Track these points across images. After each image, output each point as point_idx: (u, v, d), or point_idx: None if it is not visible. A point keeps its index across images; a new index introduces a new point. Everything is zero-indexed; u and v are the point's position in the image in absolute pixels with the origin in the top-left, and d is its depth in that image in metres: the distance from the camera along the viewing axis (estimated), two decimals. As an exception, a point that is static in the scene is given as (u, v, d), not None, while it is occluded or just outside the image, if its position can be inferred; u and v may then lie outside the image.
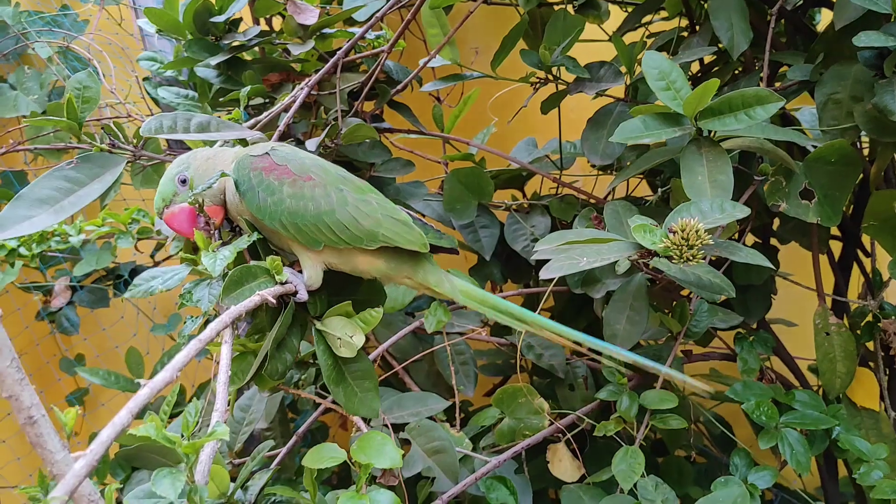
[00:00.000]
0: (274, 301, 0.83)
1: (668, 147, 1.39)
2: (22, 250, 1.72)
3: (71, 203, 1.03)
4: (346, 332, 0.95)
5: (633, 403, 1.35)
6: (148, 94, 1.96)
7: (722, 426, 1.75)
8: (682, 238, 0.96)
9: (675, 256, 0.96)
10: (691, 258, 0.95)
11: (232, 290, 0.90)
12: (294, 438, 1.32)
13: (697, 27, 1.65)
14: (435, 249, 1.11)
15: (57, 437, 0.58)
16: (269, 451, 1.66)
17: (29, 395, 0.57)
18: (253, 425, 1.32)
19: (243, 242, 0.95)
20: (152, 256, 2.11)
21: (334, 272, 1.04)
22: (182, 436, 0.67)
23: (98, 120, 1.17)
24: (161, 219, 1.04)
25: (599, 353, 1.18)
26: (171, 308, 2.35)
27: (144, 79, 1.97)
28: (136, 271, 2.16)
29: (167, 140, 1.87)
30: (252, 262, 0.98)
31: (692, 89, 1.20)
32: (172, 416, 1.82)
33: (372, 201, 1.04)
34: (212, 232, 1.01)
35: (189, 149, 1.26)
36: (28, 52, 2.29)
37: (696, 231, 0.96)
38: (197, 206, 1.00)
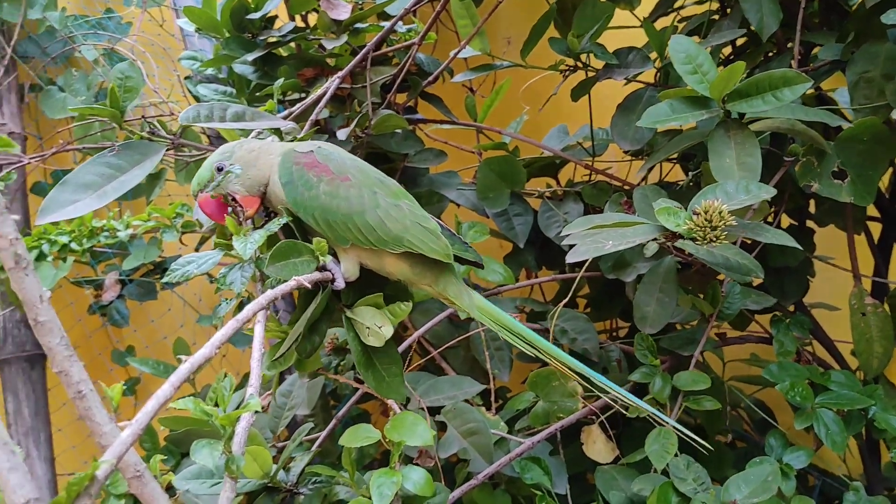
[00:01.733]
0: (309, 285, 0.87)
1: (698, 130, 1.40)
2: (73, 245, 1.79)
3: (113, 188, 1.08)
4: (375, 322, 0.98)
5: (665, 385, 1.36)
6: (190, 92, 2.01)
7: (763, 412, 1.75)
8: (706, 220, 0.97)
9: (698, 238, 0.97)
10: (714, 239, 0.96)
11: (276, 261, 0.94)
12: (333, 422, 1.36)
13: (728, 10, 1.65)
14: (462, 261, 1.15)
15: (104, 410, 0.63)
16: (310, 435, 1.73)
17: (78, 371, 0.61)
18: (294, 410, 1.36)
19: (274, 226, 0.99)
20: (197, 249, 2.17)
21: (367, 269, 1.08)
22: (218, 408, 0.71)
23: (142, 118, 1.21)
24: (196, 203, 1.09)
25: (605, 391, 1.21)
26: (215, 300, 2.42)
27: (186, 77, 2.03)
28: (181, 264, 2.22)
29: (208, 135, 1.93)
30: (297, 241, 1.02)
31: (721, 72, 1.20)
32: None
33: (404, 207, 1.07)
34: (241, 220, 1.04)
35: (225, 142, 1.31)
36: (75, 54, 2.37)
37: (720, 212, 0.97)
38: (222, 196, 1.04)
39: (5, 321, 2.16)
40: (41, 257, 1.79)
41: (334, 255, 1.06)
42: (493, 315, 1.14)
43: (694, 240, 0.98)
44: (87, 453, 2.29)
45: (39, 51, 2.35)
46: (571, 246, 1.12)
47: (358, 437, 1.01)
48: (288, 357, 1.07)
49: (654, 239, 1.02)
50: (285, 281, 0.87)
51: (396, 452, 0.98)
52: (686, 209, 1.05)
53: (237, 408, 0.77)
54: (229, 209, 1.05)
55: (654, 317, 1.28)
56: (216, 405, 0.70)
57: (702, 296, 1.44)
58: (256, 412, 1.54)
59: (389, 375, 1.04)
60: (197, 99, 1.97)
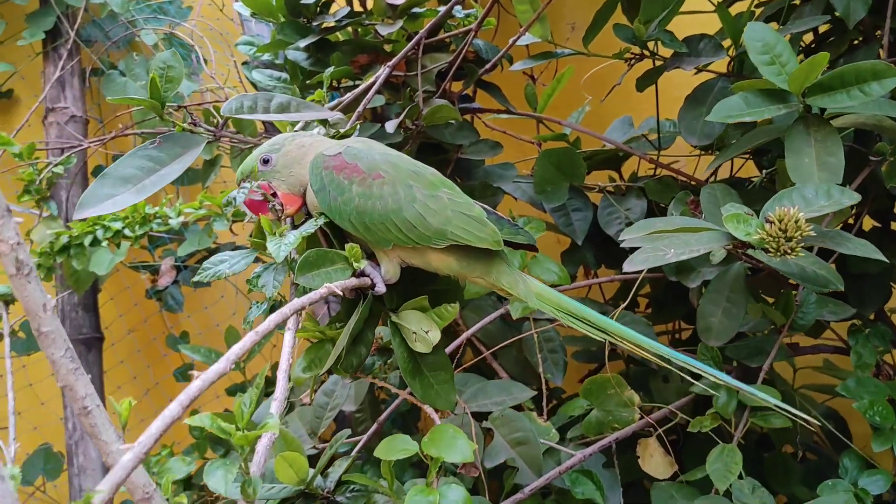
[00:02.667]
0: (341, 293, 0.81)
1: (774, 125, 1.29)
2: (126, 232, 1.79)
3: (152, 182, 1.05)
4: (421, 327, 0.92)
5: (731, 399, 1.27)
6: (247, 77, 1.99)
7: (835, 421, 1.63)
8: (780, 229, 0.88)
9: (770, 249, 0.88)
10: (789, 251, 0.87)
11: (306, 271, 0.89)
12: (375, 426, 1.32)
13: (811, -6, 1.53)
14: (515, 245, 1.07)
15: (112, 427, 0.59)
16: (359, 431, 1.69)
17: (83, 385, 0.57)
18: (336, 410, 1.32)
19: (310, 227, 0.94)
20: (250, 237, 2.15)
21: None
22: (237, 427, 0.66)
23: (183, 107, 1.18)
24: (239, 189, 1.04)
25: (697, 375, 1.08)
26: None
27: (243, 63, 2.00)
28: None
29: (264, 123, 1.90)
30: (328, 248, 0.96)
31: (801, 63, 1.10)
32: (268, 395, 1.87)
33: (443, 197, 0.99)
34: (280, 218, 1.00)
35: (279, 131, 1.27)
36: (135, 39, 2.37)
37: (796, 221, 0.87)
38: (259, 193, 0.99)
39: (63, 304, 2.18)
40: (95, 243, 1.79)
41: (372, 257, 1.00)
42: (554, 301, 1.04)
43: (766, 250, 0.89)
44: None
45: (102, 35, 2.36)
46: (633, 249, 1.04)
47: (394, 449, 0.96)
48: (325, 361, 1.03)
49: (722, 248, 0.93)
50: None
51: (434, 469, 0.92)
52: (758, 215, 0.95)
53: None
54: (269, 204, 1.01)
55: (720, 328, 1.19)
56: (235, 424, 0.66)
57: (771, 300, 1.34)
58: (302, 404, 1.51)
59: (438, 382, 0.98)
60: (254, 85, 1.95)
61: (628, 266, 0.96)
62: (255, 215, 1.02)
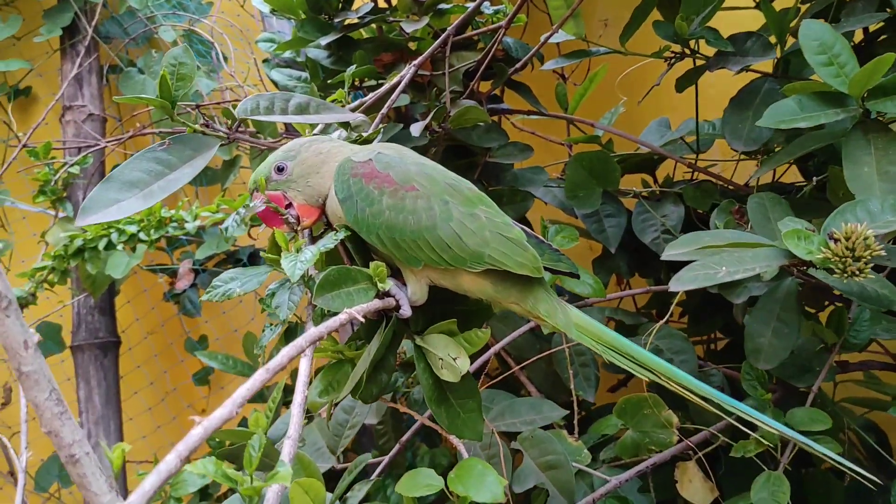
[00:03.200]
0: (363, 319, 0.74)
1: (826, 131, 1.21)
2: (142, 236, 1.73)
3: (160, 188, 0.98)
4: (448, 353, 0.84)
5: (777, 422, 1.18)
6: (267, 75, 1.93)
7: (875, 434, 1.54)
8: (847, 248, 0.79)
9: (836, 270, 0.80)
10: (857, 273, 0.78)
11: (326, 291, 0.82)
12: (397, 447, 1.24)
13: (863, -11, 1.43)
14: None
15: (103, 478, 0.52)
16: (380, 444, 1.62)
17: (70, 431, 0.50)
18: (356, 428, 1.25)
19: (329, 242, 0.86)
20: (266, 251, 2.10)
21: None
22: (244, 473, 0.60)
23: (196, 107, 1.11)
24: (250, 202, 0.97)
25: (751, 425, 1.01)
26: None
27: (264, 61, 1.94)
28: (254, 255, 2.16)
29: (285, 124, 1.84)
30: (351, 266, 0.89)
31: (859, 64, 1.02)
32: (288, 404, 1.81)
33: (481, 216, 0.91)
34: (295, 229, 0.92)
35: (300, 133, 1.20)
36: (154, 36, 2.31)
37: (864, 239, 0.79)
38: (271, 207, 0.92)
39: (79, 307, 2.14)
40: (110, 246, 1.74)
41: (397, 274, 0.92)
42: (595, 334, 0.97)
43: (830, 271, 0.81)
44: (157, 443, 2.26)
45: (120, 31, 2.31)
46: (676, 265, 0.96)
47: (417, 485, 0.89)
48: (343, 384, 0.96)
49: (780, 266, 0.85)
50: (337, 312, 0.74)
51: (461, 510, 0.84)
52: (818, 229, 0.87)
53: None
54: (283, 217, 0.93)
55: (770, 350, 1.10)
56: (242, 469, 0.59)
57: (812, 311, 1.25)
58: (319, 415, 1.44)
59: (465, 411, 0.91)
60: (274, 83, 1.88)
61: (675, 285, 0.88)
62: (270, 227, 0.96)
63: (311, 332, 0.66)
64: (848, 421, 1.43)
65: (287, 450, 0.63)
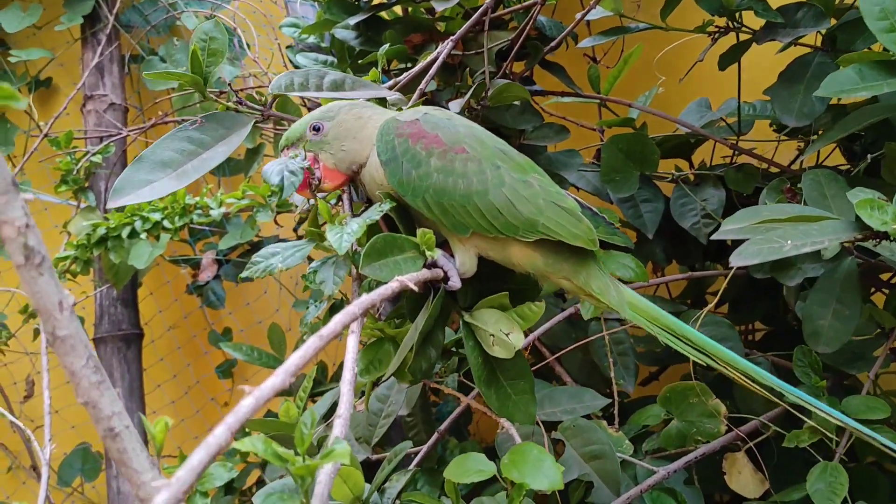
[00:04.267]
0: (416, 288, 0.69)
1: (881, 104, 1.15)
2: (166, 223, 1.70)
3: (194, 167, 0.93)
4: (500, 329, 0.79)
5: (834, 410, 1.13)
6: (290, 61, 1.89)
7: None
8: (929, 217, 0.74)
9: (917, 240, 0.74)
10: (941, 243, 0.73)
11: (372, 260, 0.77)
12: (436, 436, 1.20)
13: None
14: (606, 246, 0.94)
15: (145, 453, 0.48)
16: (410, 436, 1.57)
17: (109, 402, 0.46)
18: (391, 417, 1.21)
19: (375, 213, 0.81)
20: (295, 230, 2.06)
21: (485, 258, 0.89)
22: (296, 453, 0.55)
23: (228, 86, 1.07)
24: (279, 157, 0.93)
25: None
26: (313, 283, 2.30)
27: (287, 47, 1.90)
28: (278, 245, 2.12)
29: (308, 107, 1.79)
30: (398, 234, 0.84)
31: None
32: (314, 396, 1.77)
33: (534, 183, 0.86)
34: (313, 191, 0.88)
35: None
36: (176, 23, 2.28)
37: (947, 207, 0.74)
38: (301, 167, 0.87)
39: (101, 298, 2.11)
40: (133, 234, 1.70)
41: (444, 245, 0.87)
42: (650, 314, 0.92)
43: (907, 242, 0.76)
44: (181, 438, 2.23)
45: (142, 19, 2.28)
46: (716, 241, 0.91)
47: (467, 470, 0.84)
48: (385, 363, 0.91)
49: (849, 240, 0.80)
50: (385, 282, 0.70)
51: (518, 498, 0.79)
52: (889, 201, 0.82)
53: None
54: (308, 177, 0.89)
55: (831, 333, 1.05)
56: (295, 450, 0.55)
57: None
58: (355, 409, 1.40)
59: (517, 392, 0.86)
60: (298, 69, 1.84)
61: (737, 259, 0.83)
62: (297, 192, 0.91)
63: (363, 298, 0.62)
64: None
65: (339, 429, 0.58)
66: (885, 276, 1.36)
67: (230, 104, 1.02)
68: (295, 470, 0.54)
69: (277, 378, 0.49)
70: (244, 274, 0.82)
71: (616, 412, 1.34)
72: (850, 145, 1.50)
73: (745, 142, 1.58)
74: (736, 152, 1.50)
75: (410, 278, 0.68)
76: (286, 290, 2.25)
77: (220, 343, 1.95)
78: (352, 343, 0.67)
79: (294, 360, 0.50)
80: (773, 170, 1.51)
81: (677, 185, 1.53)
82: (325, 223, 0.82)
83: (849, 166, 1.50)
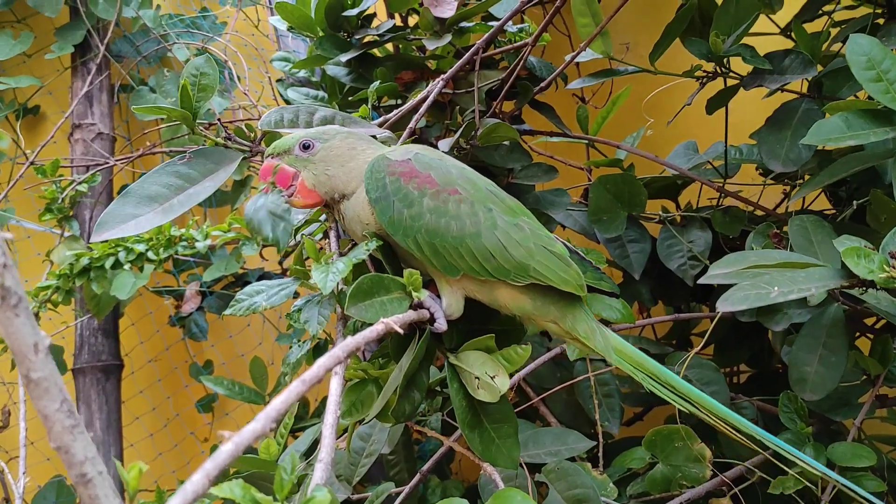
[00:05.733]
0: (400, 329, 0.69)
1: (867, 152, 1.16)
2: (150, 255, 1.68)
3: (180, 202, 0.93)
4: (485, 372, 0.78)
5: (818, 458, 1.12)
6: (281, 95, 1.89)
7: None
8: (914, 267, 0.74)
9: (903, 290, 0.75)
10: (927, 293, 0.73)
11: (358, 300, 0.76)
12: (418, 476, 1.18)
13: (898, 11, 1.40)
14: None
15: (118, 500, 0.46)
16: (392, 474, 1.55)
17: (82, 447, 0.45)
18: (374, 456, 1.19)
19: (361, 253, 0.81)
20: (280, 263, 2.05)
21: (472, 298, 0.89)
22: (275, 499, 0.54)
23: (217, 120, 1.07)
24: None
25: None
26: (298, 316, 2.28)
27: (278, 80, 1.91)
28: (263, 278, 2.10)
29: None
30: (384, 275, 0.83)
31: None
32: (296, 432, 1.74)
33: (524, 227, 0.87)
34: (286, 200, 0.88)
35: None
36: (167, 54, 2.29)
37: (933, 258, 0.74)
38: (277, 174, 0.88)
39: (82, 329, 2.08)
40: (117, 265, 1.69)
41: (430, 284, 0.87)
42: (635, 360, 0.91)
43: (893, 291, 0.76)
44: (159, 471, 2.18)
45: (132, 50, 2.28)
46: (702, 284, 0.91)
47: (451, 517, 0.82)
48: (368, 405, 0.90)
49: (837, 287, 0.80)
50: (371, 323, 0.69)
51: (499, 546, 0.78)
52: (876, 250, 0.82)
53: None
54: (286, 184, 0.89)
55: (818, 380, 1.04)
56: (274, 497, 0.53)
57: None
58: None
59: (501, 437, 0.85)
60: (288, 103, 1.85)
61: (724, 305, 0.82)
62: (262, 181, 0.91)
63: (348, 341, 0.61)
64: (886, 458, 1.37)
65: (319, 473, 0.57)
66: (868, 321, 1.37)
67: (219, 139, 1.02)
68: (273, 518, 0.52)
69: (258, 423, 0.48)
70: (227, 312, 0.81)
71: (601, 454, 1.33)
72: (835, 190, 1.51)
73: (732, 185, 1.60)
74: (722, 195, 1.51)
75: (396, 321, 0.67)
76: (270, 324, 2.23)
77: (202, 376, 1.93)
78: (335, 385, 0.66)
79: (276, 405, 0.49)
80: (759, 213, 1.52)
81: (664, 227, 1.54)
82: (309, 258, 0.82)
83: (834, 211, 1.52)
